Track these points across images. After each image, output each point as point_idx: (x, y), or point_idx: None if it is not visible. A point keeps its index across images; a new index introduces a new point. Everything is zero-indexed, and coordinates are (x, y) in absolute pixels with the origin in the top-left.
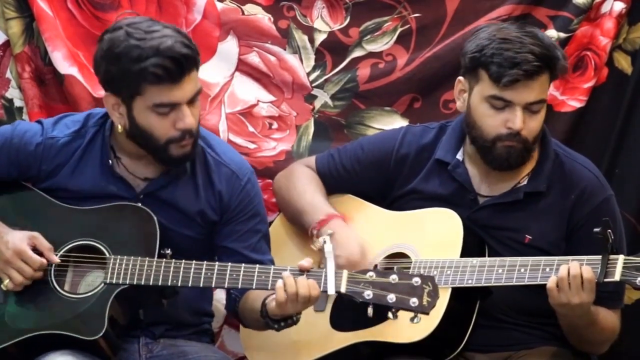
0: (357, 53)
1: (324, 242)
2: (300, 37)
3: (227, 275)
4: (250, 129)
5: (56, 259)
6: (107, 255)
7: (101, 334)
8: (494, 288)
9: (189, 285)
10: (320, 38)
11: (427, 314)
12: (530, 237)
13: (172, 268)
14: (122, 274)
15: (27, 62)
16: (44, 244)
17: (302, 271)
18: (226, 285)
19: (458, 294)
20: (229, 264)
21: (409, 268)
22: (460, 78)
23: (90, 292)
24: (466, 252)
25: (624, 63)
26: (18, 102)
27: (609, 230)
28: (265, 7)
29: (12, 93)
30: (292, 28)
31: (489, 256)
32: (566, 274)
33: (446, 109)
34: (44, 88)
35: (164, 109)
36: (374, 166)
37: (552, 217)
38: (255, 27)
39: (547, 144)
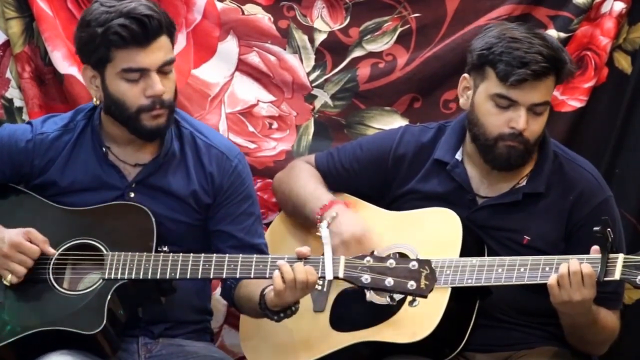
0: (357, 53)
1: (321, 227)
2: (300, 37)
3: (225, 266)
4: (250, 128)
5: (52, 250)
6: (105, 252)
7: (100, 327)
8: (494, 288)
9: (188, 277)
10: (320, 38)
11: (426, 296)
12: (528, 238)
13: (169, 261)
14: (120, 269)
15: (27, 62)
16: (38, 237)
17: (300, 258)
18: (224, 276)
19: (458, 293)
20: (227, 255)
21: None
22: (465, 75)
23: (89, 288)
24: (465, 251)
25: (624, 63)
26: (18, 102)
27: (609, 229)
28: (265, 7)
29: (12, 93)
30: (292, 28)
31: (487, 257)
32: (566, 271)
33: (446, 108)
34: (44, 88)
35: (132, 74)
36: (372, 165)
37: (551, 218)
38: (255, 27)
39: (546, 145)
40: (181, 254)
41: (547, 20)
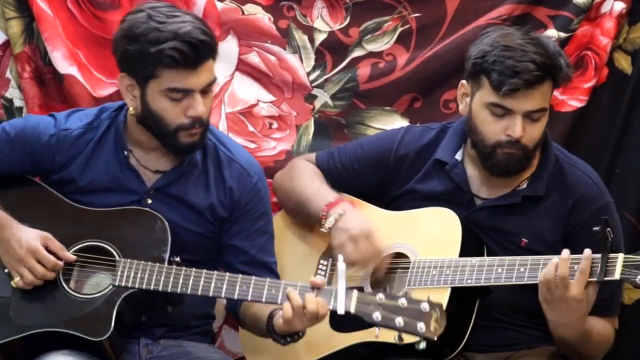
0: (357, 53)
1: (339, 260)
2: (300, 37)
3: (237, 287)
4: (250, 128)
5: (71, 256)
6: (117, 258)
7: (107, 335)
8: (494, 288)
9: (199, 294)
10: (320, 38)
11: (434, 340)
12: (526, 241)
13: (182, 276)
14: (131, 277)
15: (27, 62)
16: (56, 244)
17: (313, 288)
18: (236, 297)
19: (457, 293)
20: (239, 275)
21: (407, 268)
22: (463, 82)
23: (98, 293)
24: (465, 251)
25: (624, 63)
26: (18, 102)
27: (608, 229)
28: (265, 7)
29: (12, 93)
30: (292, 28)
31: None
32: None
33: (446, 108)
34: (44, 88)
35: (177, 94)
36: (373, 165)
37: (550, 221)
38: (255, 27)
39: (548, 148)
40: (194, 269)
41: (547, 20)
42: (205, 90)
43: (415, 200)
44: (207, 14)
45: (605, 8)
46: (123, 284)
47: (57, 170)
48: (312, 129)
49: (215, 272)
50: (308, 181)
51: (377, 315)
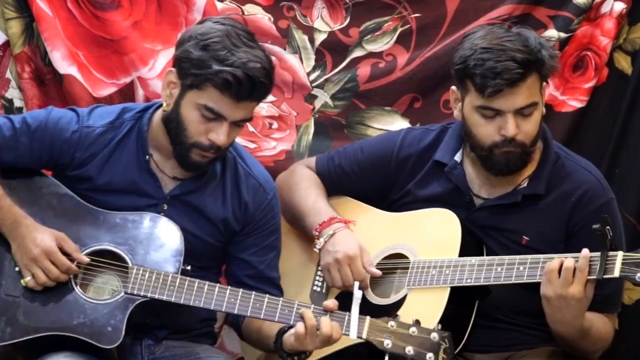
0: (357, 53)
1: (354, 286)
2: (300, 37)
3: (250, 304)
4: (250, 128)
5: (84, 258)
6: (130, 264)
7: (117, 343)
8: (493, 288)
9: (211, 307)
10: (320, 38)
11: None
12: (527, 238)
13: (195, 288)
14: (144, 286)
15: (27, 62)
16: (71, 245)
17: (327, 311)
18: (249, 314)
19: (457, 293)
20: (253, 292)
21: (407, 269)
22: (453, 88)
23: (110, 299)
24: (465, 251)
25: (624, 63)
26: (18, 102)
27: (608, 227)
28: (265, 7)
29: (12, 93)
30: (292, 28)
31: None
32: (557, 266)
33: (446, 108)
34: (43, 88)
35: (210, 114)
36: (374, 168)
37: (551, 218)
38: (255, 27)
39: (548, 146)
40: (207, 282)
41: (547, 20)
42: (237, 123)
43: (414, 202)
44: (207, 14)
45: (605, 8)
46: (135, 292)
47: (75, 166)
48: (312, 129)
49: (229, 287)
50: (304, 194)
51: (387, 343)
